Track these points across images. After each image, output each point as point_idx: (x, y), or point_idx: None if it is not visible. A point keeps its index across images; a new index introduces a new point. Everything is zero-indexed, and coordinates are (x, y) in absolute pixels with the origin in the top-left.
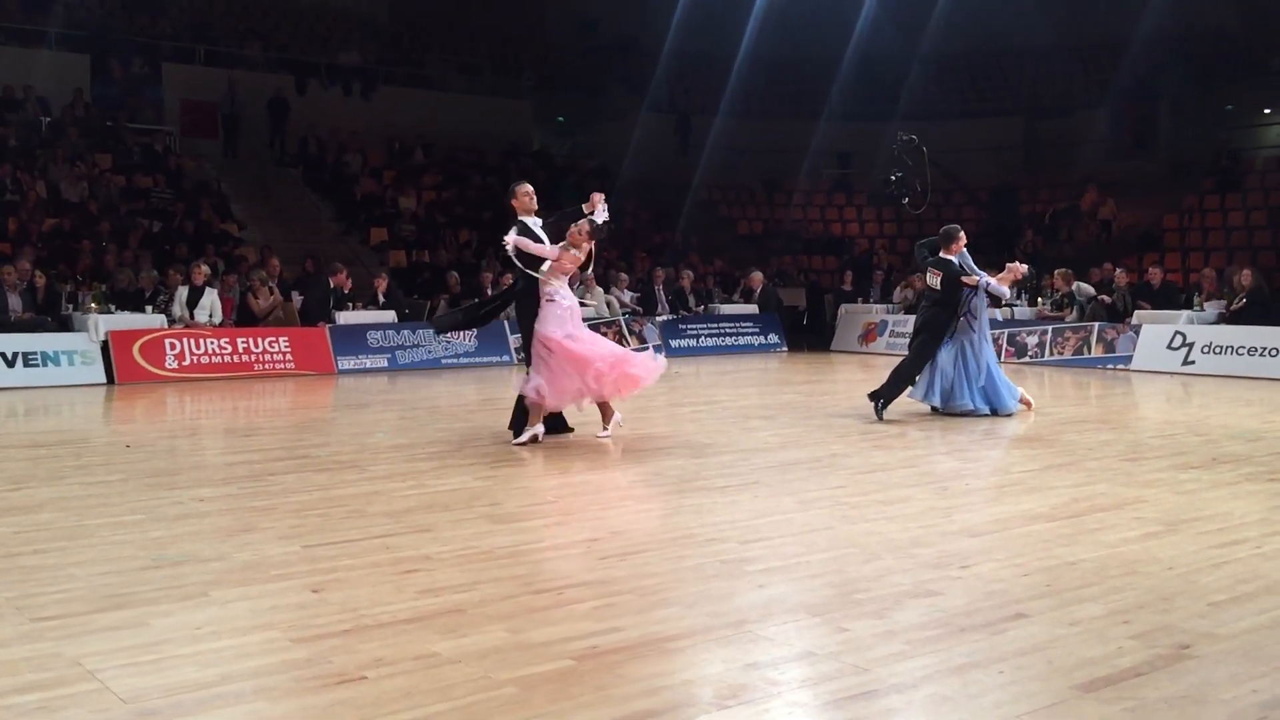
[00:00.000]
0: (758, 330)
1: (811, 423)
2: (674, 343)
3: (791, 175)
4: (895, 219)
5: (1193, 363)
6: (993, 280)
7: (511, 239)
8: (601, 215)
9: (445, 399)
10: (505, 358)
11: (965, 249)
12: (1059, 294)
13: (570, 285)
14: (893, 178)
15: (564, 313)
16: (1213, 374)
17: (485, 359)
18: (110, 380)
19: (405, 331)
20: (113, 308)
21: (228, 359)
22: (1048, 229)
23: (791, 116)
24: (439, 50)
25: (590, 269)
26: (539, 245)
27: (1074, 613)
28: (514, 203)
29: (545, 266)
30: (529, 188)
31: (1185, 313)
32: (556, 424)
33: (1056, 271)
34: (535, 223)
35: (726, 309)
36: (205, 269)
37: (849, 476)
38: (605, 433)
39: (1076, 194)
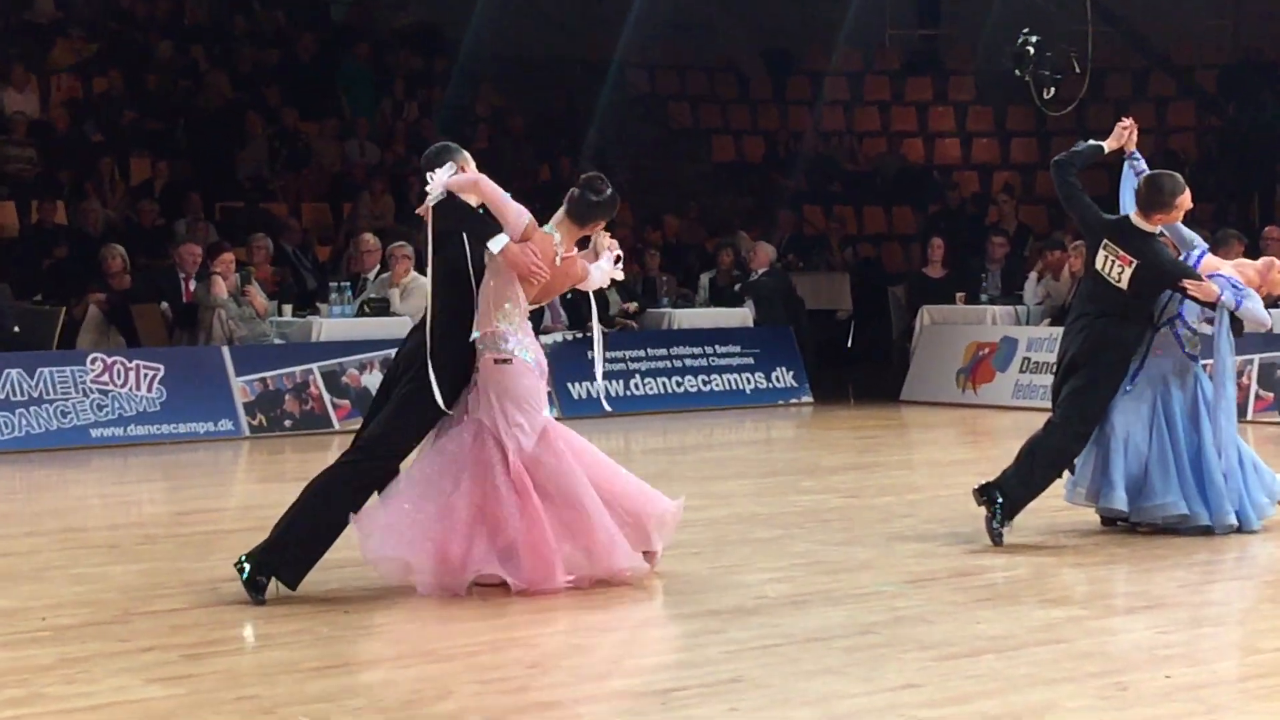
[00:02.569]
0: (753, 361)
1: (857, 552)
2: (578, 389)
3: (819, 41)
4: (1034, 130)
5: None
6: (1241, 283)
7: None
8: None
9: (96, 511)
10: (225, 423)
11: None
12: None
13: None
14: (1027, 46)
15: (537, 383)
16: None
17: (183, 427)
18: None
19: (13, 373)
20: None
21: None
22: None
23: None
24: None
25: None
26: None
27: None
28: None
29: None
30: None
31: None
32: None
33: None
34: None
35: (688, 317)
36: None
37: (929, 664)
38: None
39: None
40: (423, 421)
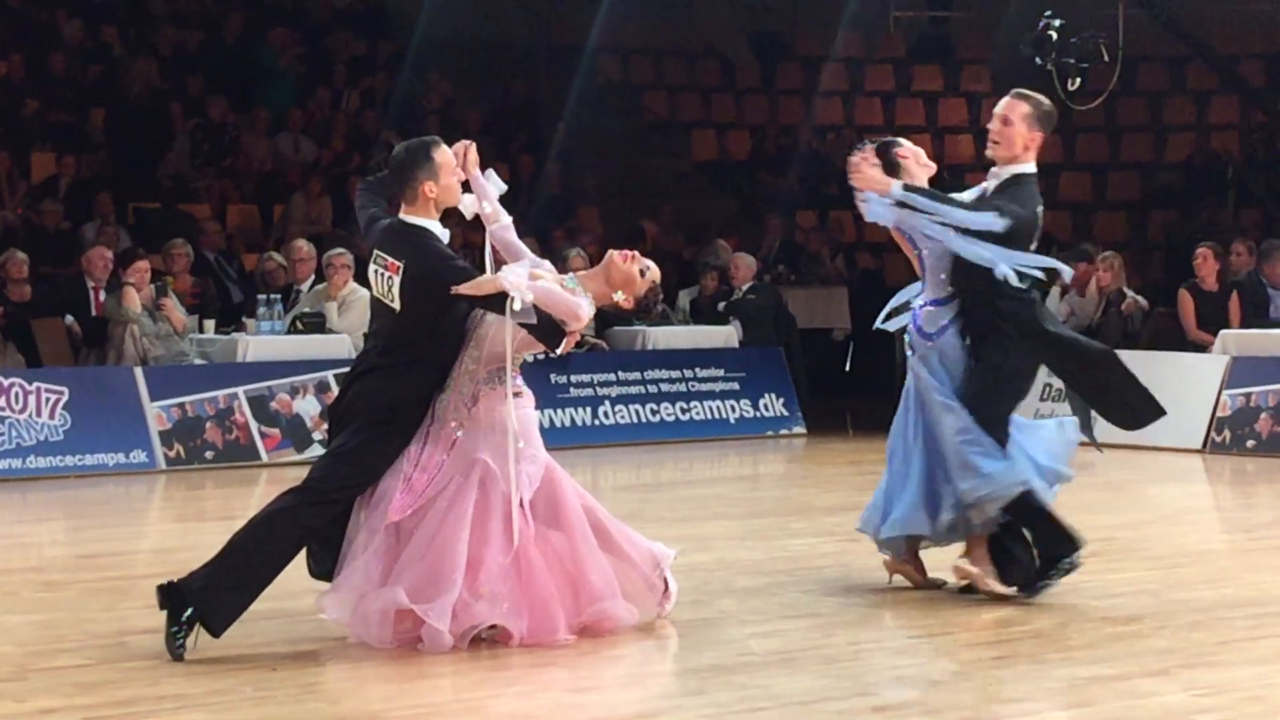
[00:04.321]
0: (738, 386)
1: (855, 604)
2: (543, 416)
3: (814, 24)
4: (1057, 126)
5: None
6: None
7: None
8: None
9: None
10: (137, 454)
11: None
12: None
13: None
14: (1049, 31)
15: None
16: None
17: (89, 458)
18: None
19: None
20: None
21: None
22: None
23: None
24: None
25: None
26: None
27: None
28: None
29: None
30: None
31: None
32: None
33: None
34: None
35: (665, 336)
36: None
37: None
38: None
39: None
40: (377, 467)
